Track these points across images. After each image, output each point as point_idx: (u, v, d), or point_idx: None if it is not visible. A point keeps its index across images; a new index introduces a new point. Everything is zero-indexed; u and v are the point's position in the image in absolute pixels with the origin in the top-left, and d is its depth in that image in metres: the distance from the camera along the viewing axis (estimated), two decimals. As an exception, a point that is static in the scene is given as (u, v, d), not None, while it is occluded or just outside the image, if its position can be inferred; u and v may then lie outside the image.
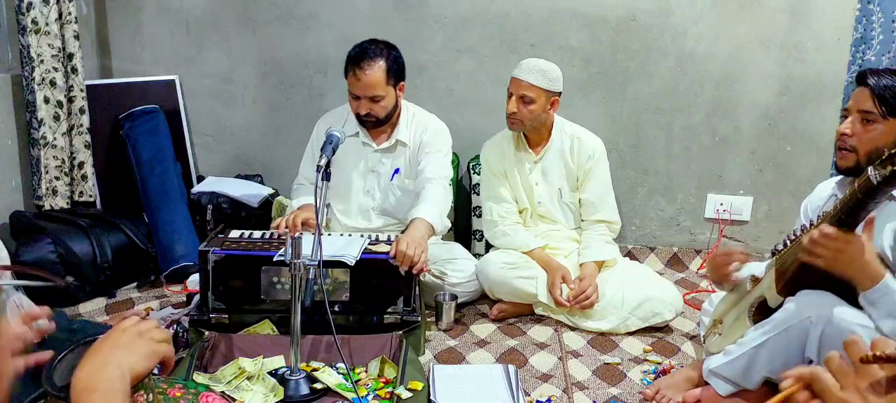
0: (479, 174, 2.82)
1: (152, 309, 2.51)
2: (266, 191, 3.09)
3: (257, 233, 2.30)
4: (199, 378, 1.81)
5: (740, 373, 1.77)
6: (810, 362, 1.66)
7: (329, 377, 1.88)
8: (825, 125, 3.01)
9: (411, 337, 2.11)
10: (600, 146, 2.63)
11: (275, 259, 2.08)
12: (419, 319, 2.17)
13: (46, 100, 2.73)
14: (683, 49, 3.02)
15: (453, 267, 2.53)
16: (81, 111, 2.86)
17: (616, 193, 2.73)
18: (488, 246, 2.78)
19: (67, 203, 2.84)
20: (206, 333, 2.04)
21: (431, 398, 1.88)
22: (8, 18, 2.76)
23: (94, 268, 2.56)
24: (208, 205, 2.99)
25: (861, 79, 1.71)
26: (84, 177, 2.92)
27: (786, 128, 3.06)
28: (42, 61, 2.69)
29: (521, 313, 2.52)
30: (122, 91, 3.14)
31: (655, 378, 2.10)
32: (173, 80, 3.22)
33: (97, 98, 2.99)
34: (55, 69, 2.73)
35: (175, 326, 2.16)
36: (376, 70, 2.35)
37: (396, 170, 2.57)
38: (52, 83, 2.73)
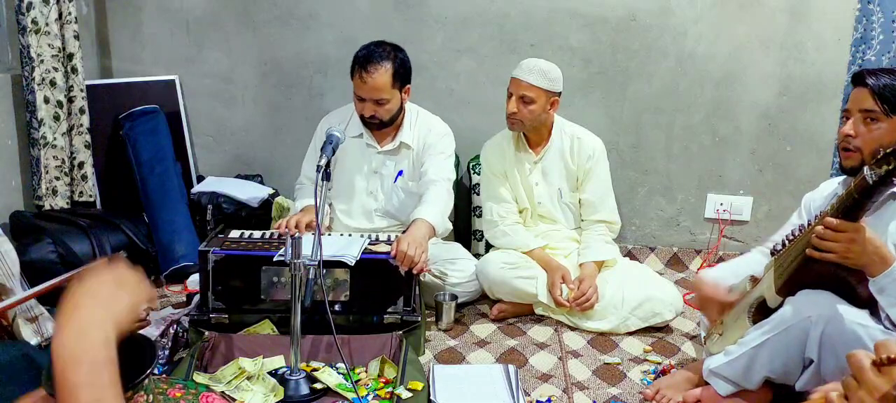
0: (479, 174, 2.82)
1: (152, 309, 2.50)
2: (266, 191, 3.09)
3: (257, 233, 2.30)
4: (199, 378, 1.81)
5: (740, 373, 1.77)
6: (811, 362, 1.66)
7: (329, 377, 1.88)
8: (825, 125, 3.01)
9: (411, 337, 2.11)
10: (600, 146, 2.63)
11: (275, 259, 2.08)
12: (419, 319, 2.17)
13: (46, 100, 2.73)
14: (683, 49, 3.02)
15: (453, 267, 2.53)
16: (81, 111, 2.86)
17: (616, 193, 2.73)
18: (488, 246, 2.78)
19: (67, 203, 2.84)
20: (206, 333, 2.04)
21: (431, 398, 1.88)
22: (8, 18, 2.76)
23: (94, 268, 2.56)
24: (208, 205, 2.99)
25: (858, 79, 1.71)
26: (84, 177, 2.92)
27: (786, 128, 3.06)
28: (42, 61, 2.69)
29: (521, 313, 2.52)
30: (122, 91, 3.14)
31: (655, 378, 2.10)
32: (173, 80, 3.22)
33: (97, 98, 2.99)
34: (55, 69, 2.73)
35: (175, 326, 2.16)
36: (383, 73, 2.35)
37: (400, 172, 2.57)
38: (52, 83, 2.73)
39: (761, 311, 1.80)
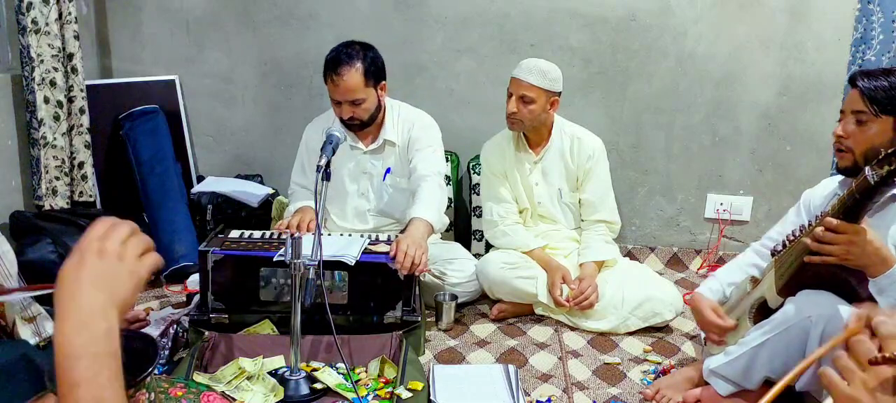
0: (479, 174, 2.82)
1: (152, 309, 2.50)
2: (266, 191, 3.09)
3: (257, 233, 2.30)
4: (199, 378, 1.81)
5: (741, 373, 1.77)
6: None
7: (329, 377, 1.88)
8: (825, 125, 3.01)
9: (411, 337, 2.11)
10: (600, 146, 2.63)
11: (275, 259, 2.08)
12: (419, 319, 2.17)
13: (46, 100, 2.73)
14: (683, 49, 3.02)
15: (453, 267, 2.53)
16: (81, 111, 2.86)
17: (616, 193, 2.73)
18: (488, 246, 2.78)
19: (67, 203, 2.84)
20: (206, 333, 2.04)
21: (431, 398, 1.88)
22: (8, 18, 2.76)
23: (94, 268, 2.56)
24: (208, 205, 2.99)
25: (852, 80, 1.73)
26: (84, 177, 2.92)
27: (786, 128, 3.06)
28: (42, 61, 2.69)
29: (521, 313, 2.52)
30: (122, 91, 3.14)
31: (655, 378, 2.10)
32: (173, 80, 3.22)
33: (97, 98, 2.99)
34: (55, 69, 2.72)
35: (175, 326, 2.16)
36: (354, 73, 2.32)
37: (388, 170, 2.56)
38: (52, 83, 2.73)
39: (762, 312, 1.81)
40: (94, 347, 0.76)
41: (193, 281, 2.37)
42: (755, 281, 1.90)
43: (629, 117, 3.12)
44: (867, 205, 1.51)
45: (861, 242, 1.54)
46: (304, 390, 1.81)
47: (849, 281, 1.63)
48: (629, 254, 3.16)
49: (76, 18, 2.79)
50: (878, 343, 0.83)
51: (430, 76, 3.14)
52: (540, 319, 2.51)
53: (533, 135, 2.60)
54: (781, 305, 1.73)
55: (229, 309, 2.13)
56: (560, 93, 2.51)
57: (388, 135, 2.52)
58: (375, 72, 2.39)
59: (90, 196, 2.94)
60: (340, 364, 1.96)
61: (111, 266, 0.81)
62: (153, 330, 2.12)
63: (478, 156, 2.83)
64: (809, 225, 1.70)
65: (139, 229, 0.88)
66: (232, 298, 2.13)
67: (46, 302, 1.79)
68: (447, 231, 2.83)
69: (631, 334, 2.41)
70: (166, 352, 2.06)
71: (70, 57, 2.79)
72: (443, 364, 2.15)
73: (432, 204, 2.35)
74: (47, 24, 2.67)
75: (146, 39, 3.22)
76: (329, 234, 2.40)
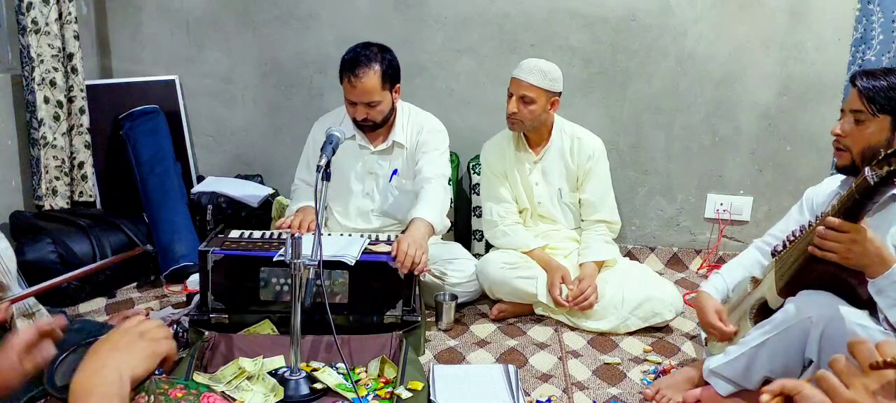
0: (479, 174, 2.82)
1: (152, 309, 2.51)
2: (266, 191, 3.09)
3: (257, 233, 2.30)
4: (199, 378, 1.81)
5: (740, 373, 1.77)
6: (810, 362, 1.66)
7: (329, 377, 1.88)
8: (825, 125, 3.01)
9: (411, 337, 2.11)
10: (600, 146, 2.63)
11: (275, 259, 2.08)
12: (419, 319, 2.17)
13: (46, 100, 2.73)
14: (683, 49, 3.02)
15: (453, 267, 2.53)
16: (81, 111, 2.86)
17: (616, 193, 2.73)
18: (488, 246, 2.78)
19: (67, 203, 2.84)
20: (206, 333, 2.04)
21: (431, 398, 1.88)
22: (8, 18, 2.76)
23: (94, 268, 2.56)
24: (208, 205, 2.99)
25: (853, 80, 1.73)
26: (84, 177, 2.92)
27: (786, 128, 3.06)
28: (42, 61, 2.69)
29: (521, 313, 2.52)
30: (122, 91, 3.14)
31: (655, 378, 2.10)
32: (173, 80, 3.22)
33: (97, 98, 2.99)
34: (55, 69, 2.73)
35: (175, 326, 2.16)
36: (372, 75, 2.33)
37: (394, 172, 2.57)
38: (52, 83, 2.73)
39: (763, 312, 1.81)
40: (104, 387, 0.89)
41: (193, 281, 2.37)
42: (756, 281, 1.90)
43: (629, 117, 3.12)
44: (867, 206, 1.51)
45: (862, 241, 1.54)
46: (304, 390, 1.81)
47: (849, 282, 1.63)
48: (629, 254, 3.16)
49: (76, 18, 2.79)
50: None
51: (430, 76, 3.14)
52: (540, 319, 2.51)
53: (533, 135, 2.60)
54: (782, 305, 1.73)
55: (229, 309, 2.13)
56: (560, 93, 2.51)
57: (397, 137, 2.53)
58: (392, 75, 2.40)
59: (90, 196, 2.94)
60: (340, 364, 1.96)
61: (131, 338, 0.98)
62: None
63: (478, 156, 2.83)
64: (810, 224, 1.70)
65: (163, 324, 1.07)
66: (232, 298, 2.13)
67: (46, 301, 1.79)
68: (447, 231, 2.83)
69: (631, 334, 2.41)
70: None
71: (70, 57, 2.79)
72: (443, 364, 2.16)
73: (435, 206, 2.36)
74: (47, 24, 2.67)
75: (146, 39, 3.22)
76: (329, 234, 2.40)
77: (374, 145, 2.55)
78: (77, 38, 2.79)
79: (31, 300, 1.66)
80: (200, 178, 3.25)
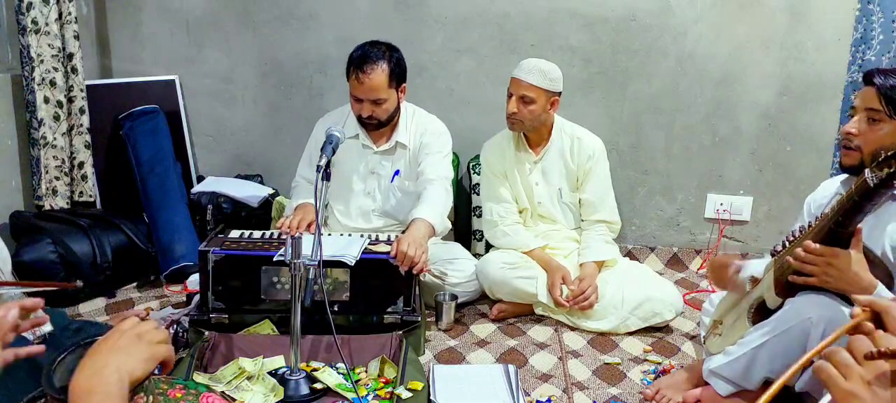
0: (479, 174, 2.82)
1: (152, 309, 2.50)
2: (266, 191, 3.09)
3: (257, 233, 2.30)
4: (199, 378, 1.81)
5: (740, 373, 1.77)
6: (811, 363, 1.66)
7: (329, 377, 1.88)
8: (825, 125, 3.01)
9: (411, 337, 2.11)
10: (600, 146, 2.63)
11: (275, 259, 2.08)
12: (419, 319, 2.17)
13: (46, 100, 2.73)
14: (683, 49, 3.02)
15: (453, 267, 2.53)
16: (81, 111, 2.86)
17: (616, 193, 2.73)
18: (488, 246, 2.78)
19: (67, 203, 2.84)
20: (206, 333, 2.04)
21: (431, 398, 1.88)
22: (8, 18, 2.76)
23: (94, 268, 2.56)
24: (208, 205, 2.99)
25: (868, 78, 1.69)
26: (84, 177, 2.92)
27: (786, 128, 3.06)
28: (42, 61, 2.69)
29: (521, 313, 2.52)
30: (122, 91, 3.14)
31: (655, 378, 2.10)
32: (173, 80, 3.22)
33: (97, 98, 2.99)
34: (55, 69, 2.73)
35: (175, 326, 2.16)
36: (379, 73, 2.35)
37: (396, 172, 2.57)
38: (52, 83, 2.73)
39: (761, 312, 1.80)
40: (104, 387, 0.90)
41: (193, 281, 2.37)
42: (755, 281, 1.90)
43: (629, 117, 3.12)
44: (866, 207, 1.50)
45: (839, 266, 1.54)
46: (304, 390, 1.81)
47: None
48: (629, 254, 3.16)
49: (76, 18, 2.79)
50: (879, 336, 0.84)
51: (430, 76, 3.14)
52: (540, 319, 2.51)
53: (533, 135, 2.60)
54: (780, 305, 1.72)
55: (229, 309, 2.13)
56: (560, 93, 2.51)
57: (400, 138, 2.53)
58: (399, 74, 2.42)
59: (90, 196, 2.94)
60: (340, 364, 1.96)
61: (129, 340, 0.98)
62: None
63: (478, 156, 2.83)
64: (810, 225, 1.69)
65: (161, 326, 1.06)
66: (232, 298, 2.13)
67: (45, 301, 1.79)
68: (448, 232, 2.83)
69: (631, 334, 2.41)
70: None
71: (70, 57, 2.79)
72: (443, 364, 2.16)
73: (436, 207, 2.36)
74: (47, 24, 2.67)
75: (146, 39, 3.22)
76: (329, 234, 2.40)
77: (378, 145, 2.55)
78: (77, 38, 2.79)
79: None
80: (200, 178, 3.25)
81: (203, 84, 3.26)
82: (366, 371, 1.95)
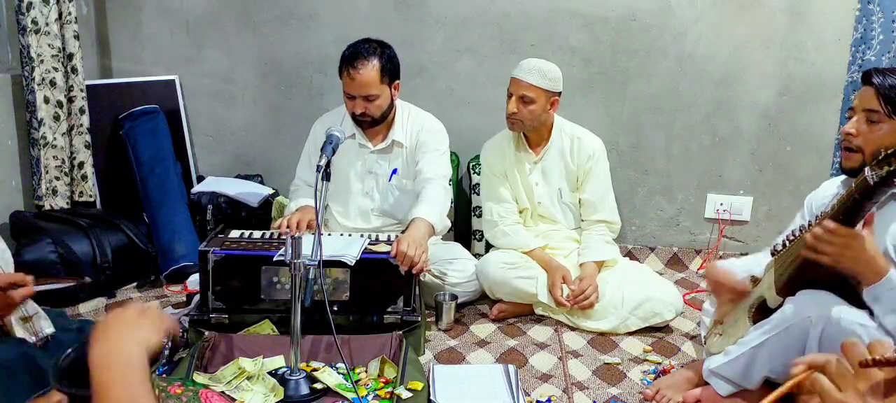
0: (479, 174, 2.82)
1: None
2: (266, 191, 3.09)
3: (257, 233, 2.30)
4: (199, 378, 1.81)
5: (740, 373, 1.77)
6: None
7: (329, 377, 1.88)
8: (825, 125, 3.01)
9: (411, 337, 2.11)
10: (600, 146, 2.63)
11: (275, 259, 2.08)
12: (419, 319, 2.17)
13: (46, 100, 2.73)
14: (683, 49, 3.02)
15: (453, 267, 2.53)
16: (81, 111, 2.86)
17: (616, 193, 2.73)
18: (488, 246, 2.78)
19: (67, 203, 2.84)
20: (206, 333, 2.04)
21: (431, 398, 1.88)
22: (8, 18, 2.76)
23: (94, 268, 2.56)
24: (208, 205, 2.99)
25: (866, 78, 1.69)
26: (84, 177, 2.92)
27: (786, 128, 3.06)
28: (42, 61, 2.69)
29: (521, 313, 2.52)
30: (122, 91, 3.14)
31: (655, 378, 2.10)
32: (173, 80, 3.22)
33: (97, 98, 2.99)
34: (55, 69, 2.73)
35: (175, 326, 2.16)
36: (370, 69, 2.35)
37: (394, 171, 2.57)
38: (52, 83, 2.73)
39: (761, 311, 1.80)
40: (124, 358, 0.91)
41: (193, 281, 2.37)
42: (755, 281, 1.90)
43: (629, 117, 3.12)
44: (866, 206, 1.50)
45: (856, 247, 1.53)
46: (304, 390, 1.81)
47: (849, 282, 1.63)
48: (629, 254, 3.16)
49: (76, 18, 2.79)
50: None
51: (430, 76, 3.14)
52: (540, 319, 2.51)
53: (533, 135, 2.60)
54: (781, 305, 1.72)
55: (229, 309, 2.13)
56: (560, 93, 2.51)
57: (396, 136, 2.53)
58: (391, 71, 2.42)
59: (90, 196, 2.94)
60: (340, 364, 1.96)
61: (134, 316, 1.01)
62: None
63: (478, 156, 2.83)
64: (810, 224, 1.69)
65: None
66: (232, 298, 2.13)
67: (44, 301, 1.79)
68: (447, 232, 2.83)
69: (631, 334, 2.41)
70: (166, 352, 2.06)
71: (70, 57, 2.79)
72: (443, 364, 2.16)
73: (435, 206, 2.36)
74: (47, 24, 2.68)
75: (146, 39, 3.22)
76: (329, 234, 2.40)
77: (374, 144, 2.55)
78: (77, 38, 2.79)
79: (30, 303, 1.65)
80: (200, 178, 3.25)
81: (203, 84, 3.26)
82: (366, 371, 1.95)
